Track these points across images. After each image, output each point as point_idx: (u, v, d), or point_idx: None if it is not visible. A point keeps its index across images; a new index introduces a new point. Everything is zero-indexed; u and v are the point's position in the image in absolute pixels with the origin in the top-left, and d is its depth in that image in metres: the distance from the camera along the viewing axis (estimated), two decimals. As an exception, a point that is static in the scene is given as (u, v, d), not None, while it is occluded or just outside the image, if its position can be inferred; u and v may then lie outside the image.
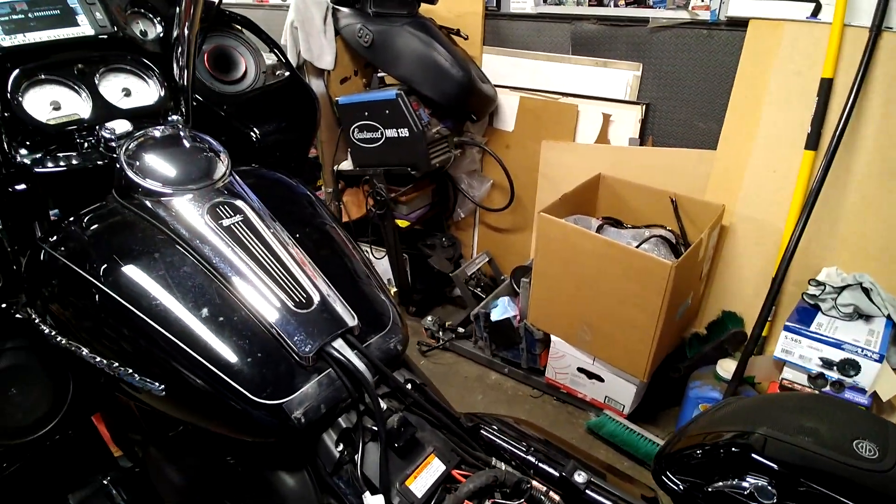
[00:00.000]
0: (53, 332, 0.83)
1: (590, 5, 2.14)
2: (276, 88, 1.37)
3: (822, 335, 1.48)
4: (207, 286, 0.81)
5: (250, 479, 0.85)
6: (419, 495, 0.78)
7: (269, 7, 3.16)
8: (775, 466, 0.73)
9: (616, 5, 2.07)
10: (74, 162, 0.93)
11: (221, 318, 0.79)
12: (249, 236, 0.88)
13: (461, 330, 2.49)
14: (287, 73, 1.41)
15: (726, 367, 1.79)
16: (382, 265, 2.64)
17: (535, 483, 0.85)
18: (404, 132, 2.17)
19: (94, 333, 0.80)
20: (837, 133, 1.61)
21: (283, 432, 0.76)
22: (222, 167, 0.95)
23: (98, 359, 0.79)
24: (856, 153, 1.67)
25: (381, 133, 2.23)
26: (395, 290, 2.63)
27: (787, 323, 1.54)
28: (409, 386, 0.90)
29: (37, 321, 0.85)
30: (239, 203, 0.91)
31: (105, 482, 1.07)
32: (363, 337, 0.87)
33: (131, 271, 0.80)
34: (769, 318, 1.80)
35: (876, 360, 1.41)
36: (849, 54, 1.63)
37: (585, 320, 1.88)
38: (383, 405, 0.83)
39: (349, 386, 0.81)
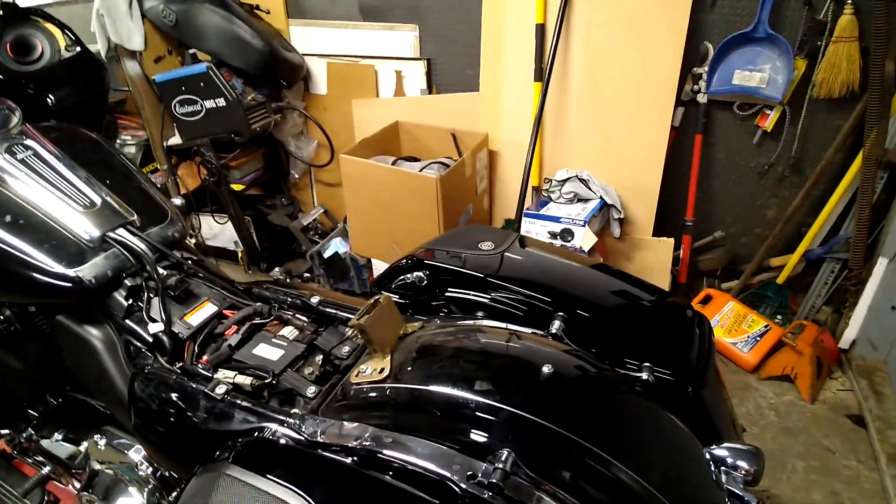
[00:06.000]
0: None
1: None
2: (70, 62, 1.62)
3: (546, 215, 2.00)
4: (7, 201, 1.08)
5: (66, 341, 1.14)
6: (195, 324, 1.13)
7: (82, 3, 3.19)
8: (425, 262, 1.16)
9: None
10: None
11: (22, 221, 1.07)
12: (41, 164, 1.15)
13: (307, 275, 2.82)
14: (79, 49, 1.65)
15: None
16: (228, 230, 2.88)
17: (284, 309, 1.22)
18: (221, 102, 2.42)
19: None
20: (548, 65, 2.12)
21: (80, 292, 1.06)
22: (15, 118, 1.21)
23: None
24: (569, 80, 2.21)
25: (201, 105, 2.46)
26: (241, 250, 2.89)
27: (525, 211, 2.05)
28: (189, 262, 1.23)
29: None
30: (30, 142, 1.18)
31: None
32: (144, 227, 1.18)
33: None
34: (528, 217, 2.32)
35: (581, 226, 1.94)
36: (553, 3, 2.13)
37: (393, 239, 2.29)
38: (164, 272, 1.15)
39: (131, 259, 1.12)
